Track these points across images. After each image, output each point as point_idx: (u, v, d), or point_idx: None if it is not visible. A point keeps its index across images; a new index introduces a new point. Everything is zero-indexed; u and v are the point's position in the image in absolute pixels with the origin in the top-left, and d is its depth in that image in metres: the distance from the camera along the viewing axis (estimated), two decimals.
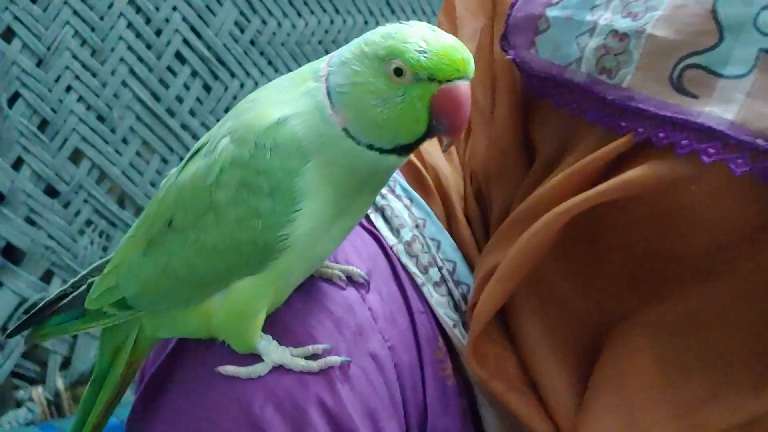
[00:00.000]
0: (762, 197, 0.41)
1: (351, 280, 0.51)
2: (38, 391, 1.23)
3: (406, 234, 0.55)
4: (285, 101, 0.43)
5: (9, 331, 0.53)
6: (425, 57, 0.40)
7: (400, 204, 0.56)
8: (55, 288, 1.24)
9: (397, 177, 0.58)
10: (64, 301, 0.51)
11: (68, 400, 1.26)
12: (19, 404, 1.21)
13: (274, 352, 0.46)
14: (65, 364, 1.28)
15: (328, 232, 0.44)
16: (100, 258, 0.53)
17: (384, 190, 0.57)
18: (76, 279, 0.52)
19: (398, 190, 0.58)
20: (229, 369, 0.46)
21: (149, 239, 0.46)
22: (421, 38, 0.40)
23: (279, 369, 0.46)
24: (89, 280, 0.51)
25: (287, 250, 0.43)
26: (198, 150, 0.45)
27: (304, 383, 0.45)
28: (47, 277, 1.25)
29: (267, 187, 0.42)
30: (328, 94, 0.42)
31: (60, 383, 1.26)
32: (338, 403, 0.45)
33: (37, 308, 0.52)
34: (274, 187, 0.42)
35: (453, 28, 0.61)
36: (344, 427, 0.45)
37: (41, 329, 0.52)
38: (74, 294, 0.51)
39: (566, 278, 0.49)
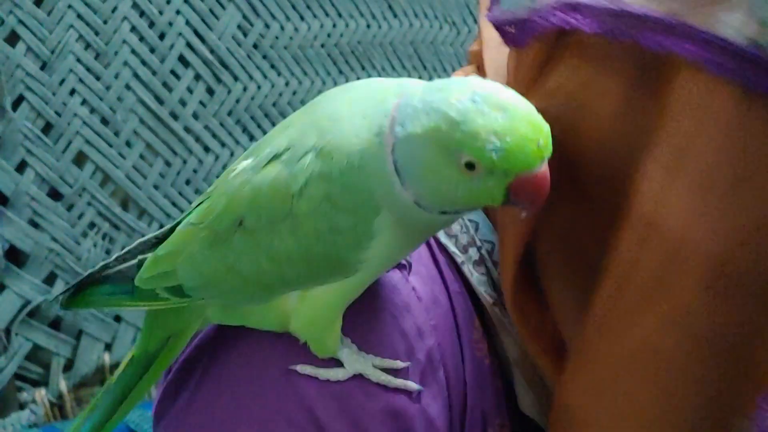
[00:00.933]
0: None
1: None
2: (41, 393, 1.23)
3: None
4: (363, 132, 0.41)
5: (61, 296, 0.50)
6: (499, 155, 0.36)
7: None
8: (59, 290, 1.24)
9: None
10: (110, 271, 0.49)
11: (71, 403, 1.27)
12: (22, 406, 1.22)
13: (357, 362, 0.45)
14: (68, 366, 1.28)
15: (400, 250, 0.45)
16: (103, 260, 0.51)
17: None
18: (121, 253, 0.50)
19: None
20: (308, 369, 0.45)
21: (215, 233, 0.44)
22: (492, 131, 0.36)
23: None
24: (139, 257, 0.49)
25: (361, 267, 0.43)
26: (277, 155, 0.43)
27: (369, 391, 0.46)
28: (50, 280, 1.25)
29: (351, 204, 0.41)
30: (395, 165, 0.40)
31: (63, 385, 1.26)
32: (402, 404, 0.46)
33: (84, 276, 0.50)
34: (357, 204, 0.41)
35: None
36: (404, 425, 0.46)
37: (90, 296, 0.50)
38: (120, 267, 0.49)
39: (585, 229, 0.47)
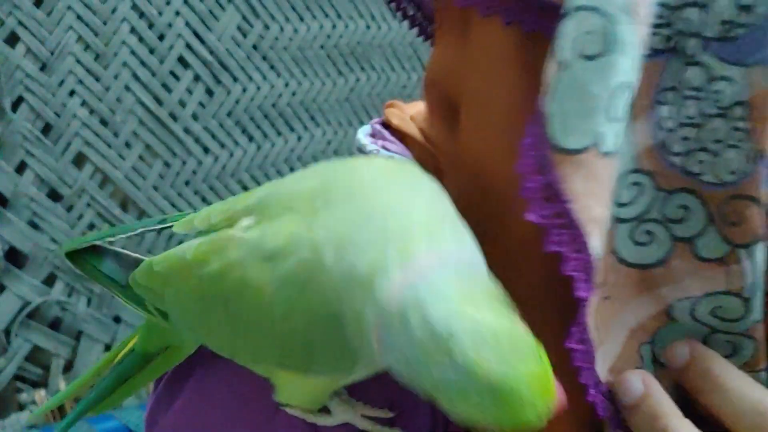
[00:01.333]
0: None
1: None
2: (41, 395, 1.23)
3: None
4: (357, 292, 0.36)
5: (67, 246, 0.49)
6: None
7: None
8: (58, 291, 1.25)
9: None
10: (114, 246, 0.48)
11: (70, 404, 1.26)
12: (21, 407, 1.22)
13: (345, 412, 0.44)
14: (68, 367, 1.28)
15: None
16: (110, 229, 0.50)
17: None
18: (133, 233, 0.49)
19: None
20: (297, 411, 0.44)
21: (202, 294, 0.42)
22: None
23: None
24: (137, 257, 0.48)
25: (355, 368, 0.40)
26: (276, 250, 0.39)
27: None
28: (50, 281, 1.25)
29: (330, 352, 0.39)
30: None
31: (63, 386, 1.26)
32: None
33: (97, 237, 0.49)
34: (335, 353, 0.39)
35: None
36: None
37: (92, 262, 0.48)
38: (122, 247, 0.48)
39: None
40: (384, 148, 0.56)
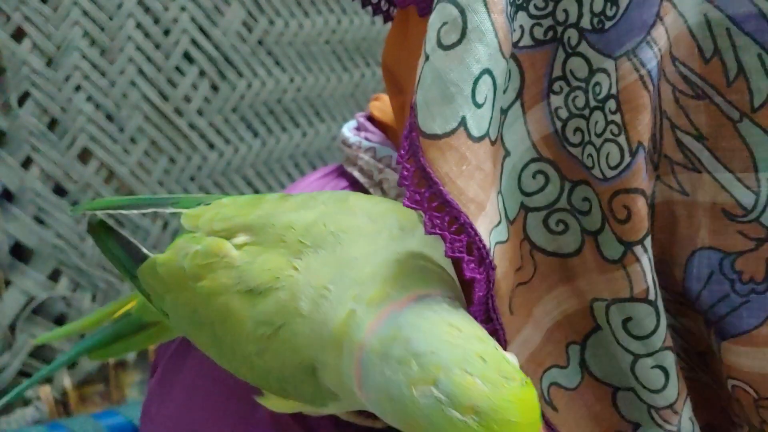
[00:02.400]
0: None
1: None
2: (46, 390, 1.23)
3: None
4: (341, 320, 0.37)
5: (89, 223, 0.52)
6: None
7: None
8: (63, 287, 1.25)
9: None
10: (126, 234, 0.51)
11: (75, 399, 1.27)
12: (26, 403, 1.22)
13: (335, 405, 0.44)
14: (72, 363, 1.28)
15: None
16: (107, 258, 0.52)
17: None
18: (146, 210, 0.52)
19: None
20: (266, 402, 0.45)
21: (193, 313, 0.44)
22: None
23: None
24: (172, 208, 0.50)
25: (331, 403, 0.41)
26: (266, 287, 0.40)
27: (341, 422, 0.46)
28: (55, 276, 1.25)
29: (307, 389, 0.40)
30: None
31: (67, 382, 1.26)
32: None
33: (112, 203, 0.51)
34: (314, 391, 0.40)
35: None
36: None
37: (107, 236, 0.52)
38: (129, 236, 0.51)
39: None
40: (366, 139, 0.58)
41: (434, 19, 0.35)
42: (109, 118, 1.30)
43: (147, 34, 1.33)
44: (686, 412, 0.41)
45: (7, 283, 1.19)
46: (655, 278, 0.39)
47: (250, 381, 0.43)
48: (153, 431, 0.52)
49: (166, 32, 1.36)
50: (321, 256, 0.39)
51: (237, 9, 1.44)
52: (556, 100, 0.39)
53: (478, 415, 0.30)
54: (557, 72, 0.39)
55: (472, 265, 0.35)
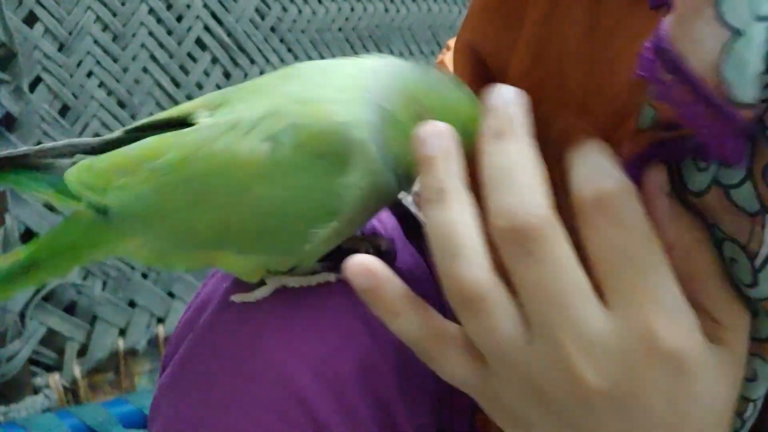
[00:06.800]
0: None
1: (378, 250, 0.50)
2: (55, 378, 1.23)
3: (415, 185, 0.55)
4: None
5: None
6: None
7: None
8: (73, 274, 1.24)
9: None
10: (43, 161, 0.47)
11: (85, 388, 1.26)
12: (36, 391, 1.21)
13: (279, 279, 0.46)
14: (82, 351, 1.27)
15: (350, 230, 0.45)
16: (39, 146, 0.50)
17: None
18: (56, 145, 0.47)
19: None
20: (238, 297, 0.46)
21: (161, 182, 0.43)
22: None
23: (313, 336, 0.45)
24: (76, 156, 0.47)
25: (306, 255, 0.43)
26: (250, 125, 0.42)
27: (341, 349, 0.45)
28: None
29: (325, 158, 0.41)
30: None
31: (77, 370, 1.25)
32: (376, 361, 0.45)
33: (17, 152, 0.49)
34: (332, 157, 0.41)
35: None
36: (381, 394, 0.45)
37: (16, 174, 0.47)
38: (53, 162, 0.48)
39: None
40: None
41: None
42: (121, 104, 1.29)
43: (159, 20, 1.32)
44: None
45: None
46: None
47: (225, 238, 0.43)
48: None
49: (179, 18, 1.35)
50: (301, 80, 0.43)
51: None
52: None
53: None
54: None
55: None
